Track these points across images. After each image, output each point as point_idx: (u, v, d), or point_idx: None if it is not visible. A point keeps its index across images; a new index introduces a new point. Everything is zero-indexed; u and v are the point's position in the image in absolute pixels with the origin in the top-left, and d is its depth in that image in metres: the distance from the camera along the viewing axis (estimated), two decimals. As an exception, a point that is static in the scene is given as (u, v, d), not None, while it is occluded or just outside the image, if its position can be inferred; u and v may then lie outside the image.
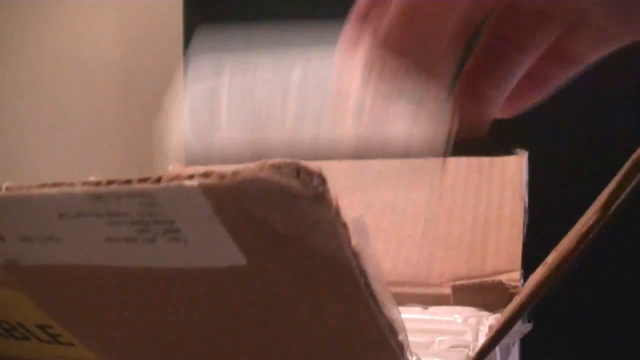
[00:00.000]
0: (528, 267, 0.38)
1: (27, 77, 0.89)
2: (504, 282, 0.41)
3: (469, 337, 0.35)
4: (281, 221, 0.16)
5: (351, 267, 0.17)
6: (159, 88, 0.89)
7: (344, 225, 0.17)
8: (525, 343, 0.42)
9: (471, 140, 0.27)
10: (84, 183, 0.17)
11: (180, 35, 0.75)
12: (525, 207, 0.45)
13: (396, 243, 0.46)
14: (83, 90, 0.89)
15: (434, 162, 0.49)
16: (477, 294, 0.42)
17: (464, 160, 0.49)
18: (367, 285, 0.18)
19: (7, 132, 0.89)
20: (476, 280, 0.42)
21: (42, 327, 0.26)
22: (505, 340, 0.28)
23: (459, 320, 0.38)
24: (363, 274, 0.18)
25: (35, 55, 0.88)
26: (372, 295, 0.19)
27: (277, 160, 0.15)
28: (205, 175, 0.16)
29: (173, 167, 0.52)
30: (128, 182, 0.17)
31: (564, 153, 0.61)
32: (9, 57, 0.88)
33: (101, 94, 0.88)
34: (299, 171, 0.15)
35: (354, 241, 0.17)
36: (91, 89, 0.89)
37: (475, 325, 0.37)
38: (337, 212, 0.16)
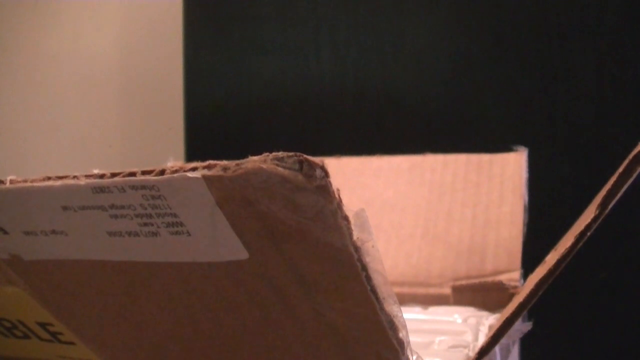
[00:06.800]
0: (528, 266, 0.38)
1: (27, 77, 0.89)
2: (503, 282, 0.41)
3: (468, 337, 0.35)
4: (283, 213, 0.16)
5: (352, 261, 0.17)
6: (159, 88, 0.90)
7: (346, 218, 0.17)
8: (525, 343, 0.42)
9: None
10: (88, 176, 0.17)
11: (180, 35, 0.75)
12: (525, 205, 0.45)
13: (396, 243, 0.46)
14: (83, 90, 0.89)
15: (434, 160, 0.49)
16: (477, 294, 0.42)
17: (463, 158, 0.49)
18: (368, 279, 0.18)
19: (6, 132, 0.88)
20: (476, 280, 0.42)
21: (43, 325, 0.26)
22: (505, 340, 0.28)
23: (459, 321, 0.38)
24: (364, 267, 0.18)
25: (35, 55, 0.88)
26: (374, 290, 0.19)
27: (280, 153, 0.15)
28: (209, 167, 0.16)
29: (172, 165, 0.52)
30: (132, 174, 0.17)
31: (564, 153, 0.61)
32: (9, 57, 0.88)
33: (101, 94, 0.88)
34: (301, 163, 0.15)
35: (356, 235, 0.17)
36: (91, 89, 0.89)
37: (475, 325, 0.37)
38: (339, 204, 0.16)
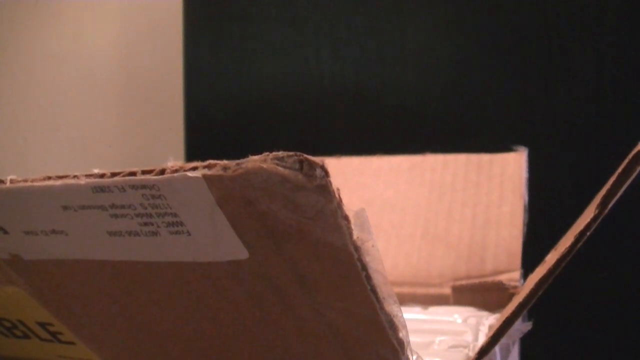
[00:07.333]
0: (528, 266, 0.38)
1: (27, 77, 0.89)
2: (503, 282, 0.41)
3: (468, 337, 0.35)
4: (283, 212, 0.16)
5: (352, 260, 0.17)
6: (159, 88, 0.90)
7: (346, 217, 0.17)
8: (525, 343, 0.42)
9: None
10: (88, 175, 0.17)
11: (180, 35, 0.75)
12: (525, 205, 0.45)
13: (396, 243, 0.46)
14: (83, 90, 0.89)
15: (434, 159, 0.49)
16: (477, 294, 0.42)
17: (463, 158, 0.49)
18: (368, 279, 0.18)
19: (6, 132, 0.88)
20: (476, 280, 0.42)
21: (43, 325, 0.26)
22: (505, 340, 0.28)
23: (459, 321, 0.38)
24: (364, 267, 0.18)
25: (35, 55, 0.88)
26: (374, 290, 0.19)
27: (280, 152, 0.16)
28: (209, 166, 0.16)
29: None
30: (132, 173, 0.17)
31: (564, 153, 0.61)
32: (9, 57, 0.88)
33: (101, 94, 0.88)
34: (301, 163, 0.15)
35: (356, 234, 0.17)
36: (91, 89, 0.89)
37: (475, 325, 0.37)
38: (339, 204, 0.16)
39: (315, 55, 0.69)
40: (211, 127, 0.75)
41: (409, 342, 0.22)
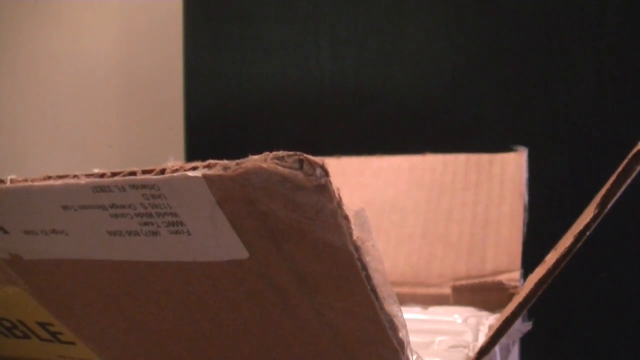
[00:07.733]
0: (528, 266, 0.38)
1: (27, 77, 0.89)
2: (503, 282, 0.41)
3: (468, 337, 0.35)
4: (283, 212, 0.16)
5: (352, 260, 0.17)
6: (159, 88, 0.89)
7: (346, 217, 0.17)
8: (525, 343, 0.42)
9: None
10: (88, 175, 0.17)
11: (180, 35, 0.75)
12: (525, 205, 0.45)
13: (396, 243, 0.46)
14: (83, 90, 0.89)
15: (433, 159, 0.50)
16: (477, 294, 0.42)
17: (463, 158, 0.49)
18: (368, 279, 0.18)
19: (6, 132, 0.89)
20: (476, 280, 0.42)
21: (43, 325, 0.26)
22: (505, 340, 0.28)
23: (459, 321, 0.38)
24: (364, 267, 0.18)
25: (35, 55, 0.89)
26: (374, 290, 0.19)
27: (280, 152, 0.16)
28: (209, 166, 0.16)
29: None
30: (132, 173, 0.17)
31: (564, 153, 0.61)
32: (9, 57, 0.88)
33: (101, 94, 0.89)
34: (301, 162, 0.15)
35: (356, 234, 0.17)
36: (91, 89, 0.89)
37: (475, 325, 0.37)
38: (339, 204, 0.16)
39: (315, 55, 0.69)
40: (211, 127, 0.75)
41: (409, 342, 0.22)
